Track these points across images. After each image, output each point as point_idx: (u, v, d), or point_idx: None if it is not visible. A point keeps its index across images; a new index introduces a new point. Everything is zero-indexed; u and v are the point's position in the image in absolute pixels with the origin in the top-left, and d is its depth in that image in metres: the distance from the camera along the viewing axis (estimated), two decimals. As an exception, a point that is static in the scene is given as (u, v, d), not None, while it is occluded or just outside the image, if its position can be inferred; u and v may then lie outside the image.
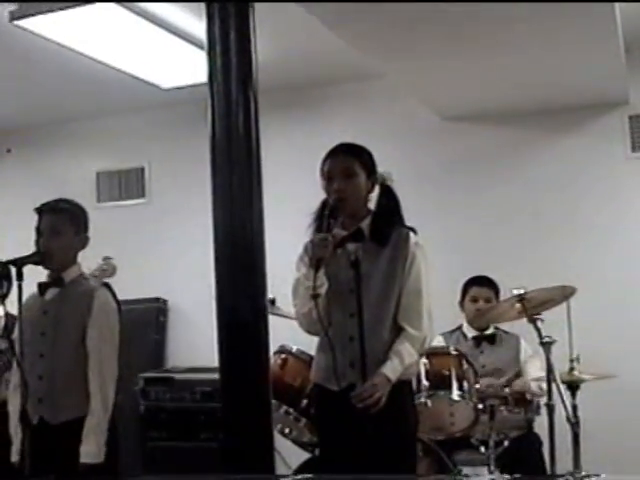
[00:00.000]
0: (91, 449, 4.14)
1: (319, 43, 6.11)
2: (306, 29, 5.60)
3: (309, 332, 4.09)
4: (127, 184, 8.26)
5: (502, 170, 7.10)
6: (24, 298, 4.05)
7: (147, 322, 7.65)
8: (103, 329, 4.29)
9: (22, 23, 5.45)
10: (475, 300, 5.94)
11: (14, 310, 4.20)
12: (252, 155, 3.46)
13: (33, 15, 5.33)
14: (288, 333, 4.62)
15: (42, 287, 4.37)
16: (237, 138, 3.44)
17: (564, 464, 5.14)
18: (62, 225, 4.35)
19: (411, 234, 4.03)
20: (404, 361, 3.92)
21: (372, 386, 3.83)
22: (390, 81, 6.66)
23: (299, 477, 4.28)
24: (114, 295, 4.40)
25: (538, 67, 5.89)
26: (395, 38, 5.30)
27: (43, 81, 7.10)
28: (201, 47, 5.89)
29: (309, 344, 4.83)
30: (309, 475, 4.09)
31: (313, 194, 4.16)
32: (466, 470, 5.46)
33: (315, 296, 3.82)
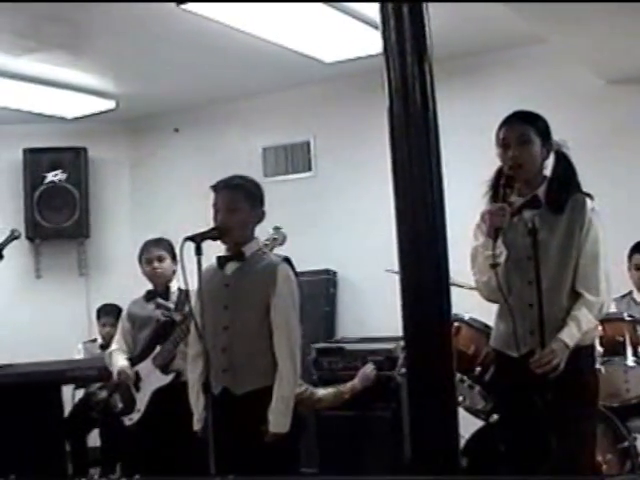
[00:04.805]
0: (281, 419, 4.22)
1: (480, 10, 6.08)
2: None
3: (489, 300, 4.14)
4: (293, 158, 8.36)
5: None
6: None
7: (318, 294, 7.75)
8: (288, 301, 4.36)
9: (188, 7, 5.61)
10: (638, 268, 5.86)
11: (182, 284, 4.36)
12: (429, 126, 3.48)
13: (199, -2, 5.49)
14: (459, 301, 4.65)
15: (222, 261, 4.45)
16: (414, 111, 3.45)
17: None
18: (238, 201, 4.41)
19: (587, 200, 4.02)
20: (582, 327, 3.91)
21: (550, 352, 3.85)
22: (552, 46, 6.55)
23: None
24: (294, 269, 4.48)
25: None
26: (560, 3, 5.23)
27: (208, 61, 7.24)
28: (362, 20, 6.01)
29: (480, 312, 4.89)
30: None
31: (485, 162, 4.19)
32: (641, 437, 5.43)
33: (494, 265, 3.87)
